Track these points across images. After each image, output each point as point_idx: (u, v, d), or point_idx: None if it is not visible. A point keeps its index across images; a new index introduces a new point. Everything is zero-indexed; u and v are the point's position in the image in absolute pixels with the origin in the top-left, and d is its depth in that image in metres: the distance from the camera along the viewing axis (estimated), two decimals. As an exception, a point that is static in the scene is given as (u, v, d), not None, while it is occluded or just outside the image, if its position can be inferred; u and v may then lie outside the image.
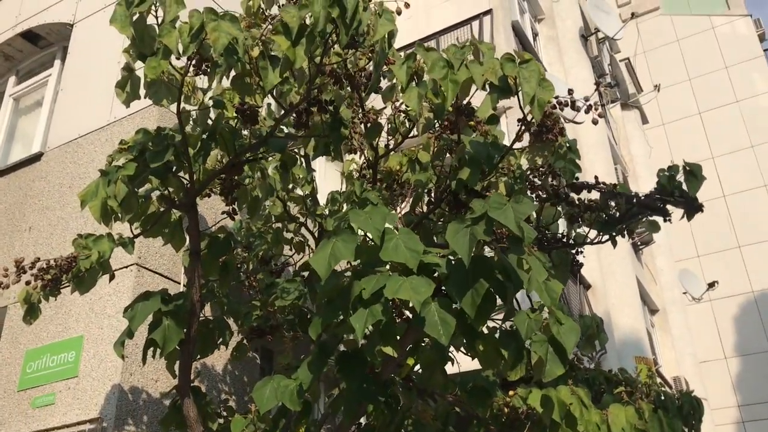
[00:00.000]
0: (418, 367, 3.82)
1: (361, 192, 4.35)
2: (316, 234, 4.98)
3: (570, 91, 2.85)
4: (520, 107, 2.87)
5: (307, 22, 2.66)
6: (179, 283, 5.14)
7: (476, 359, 3.65)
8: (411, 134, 3.86)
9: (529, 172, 3.35)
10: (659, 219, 3.91)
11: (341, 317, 3.21)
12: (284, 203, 4.65)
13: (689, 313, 15.55)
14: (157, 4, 2.75)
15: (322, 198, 4.93)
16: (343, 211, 2.97)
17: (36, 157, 6.07)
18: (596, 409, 3.36)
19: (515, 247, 2.77)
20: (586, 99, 2.84)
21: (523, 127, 2.89)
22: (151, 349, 3.63)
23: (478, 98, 3.23)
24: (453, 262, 2.88)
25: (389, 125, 4.05)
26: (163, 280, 4.99)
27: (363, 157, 4.79)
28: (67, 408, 4.60)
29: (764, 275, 18.76)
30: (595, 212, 3.86)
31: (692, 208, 3.70)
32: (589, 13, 11.39)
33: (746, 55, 21.47)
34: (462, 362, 4.19)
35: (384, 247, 2.86)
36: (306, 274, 4.65)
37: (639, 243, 13.51)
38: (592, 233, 4.04)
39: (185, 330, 3.53)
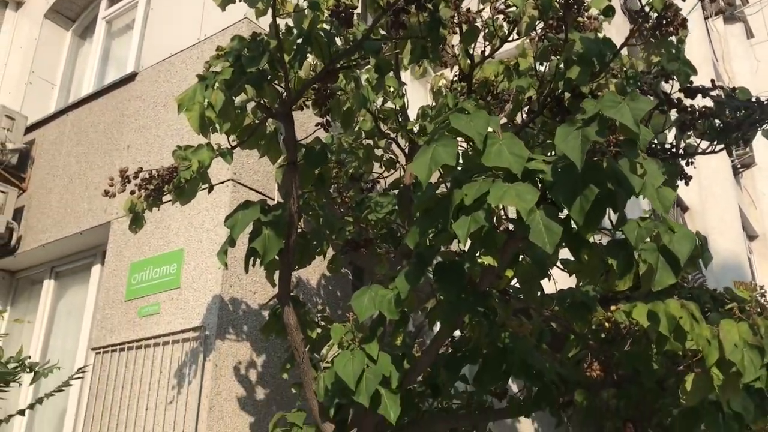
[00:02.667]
0: (515, 282, 3.75)
1: (454, 104, 4.23)
2: (407, 151, 4.90)
3: (692, -20, 2.61)
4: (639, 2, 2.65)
5: None
6: (273, 200, 5.19)
7: (573, 276, 3.56)
8: (510, 38, 3.66)
9: (642, 74, 3.12)
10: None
11: (439, 227, 3.17)
12: (375, 118, 4.57)
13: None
14: None
15: (411, 114, 4.83)
16: (440, 118, 2.85)
17: (130, 78, 6.18)
18: (707, 325, 3.21)
19: (630, 149, 2.60)
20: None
21: (640, 21, 2.67)
22: (252, 258, 3.70)
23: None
24: (559, 167, 2.74)
25: (485, 29, 3.86)
26: (258, 196, 5.05)
27: (453, 70, 4.63)
28: (171, 317, 4.79)
29: None
30: (709, 119, 3.61)
31: (819, 112, 3.40)
32: None
33: None
34: (558, 279, 4.10)
35: (486, 152, 2.75)
36: (396, 191, 4.61)
37: (739, 165, 12.82)
38: (704, 144, 3.80)
39: (284, 240, 3.56)
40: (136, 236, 5.28)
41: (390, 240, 4.53)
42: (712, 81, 3.46)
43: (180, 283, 4.84)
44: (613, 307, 3.70)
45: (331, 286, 5.53)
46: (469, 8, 3.47)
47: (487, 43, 3.89)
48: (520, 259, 3.47)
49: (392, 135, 4.79)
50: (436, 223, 3.14)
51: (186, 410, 4.38)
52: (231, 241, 3.53)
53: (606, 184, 2.64)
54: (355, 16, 2.95)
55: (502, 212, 3.09)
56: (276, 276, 3.88)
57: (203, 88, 3.03)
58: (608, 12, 2.65)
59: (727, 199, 9.62)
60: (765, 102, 3.41)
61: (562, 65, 2.99)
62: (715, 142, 3.66)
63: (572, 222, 2.82)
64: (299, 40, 3.14)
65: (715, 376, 3.20)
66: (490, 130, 2.84)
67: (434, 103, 5.03)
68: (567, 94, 3.29)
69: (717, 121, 3.59)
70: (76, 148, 6.43)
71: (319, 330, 4.08)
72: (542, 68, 3.48)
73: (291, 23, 3.40)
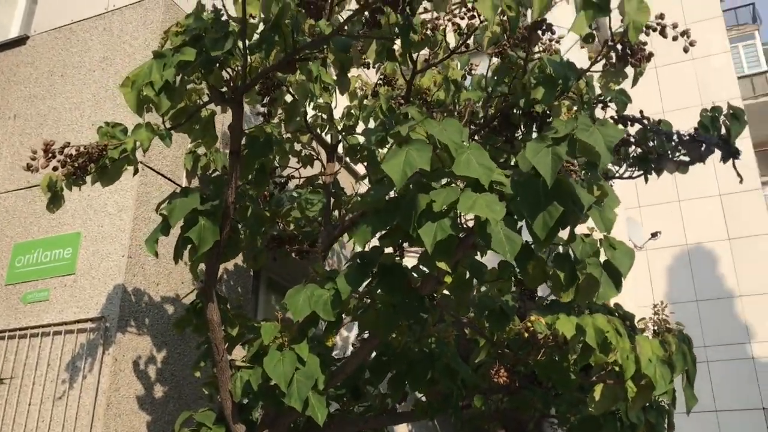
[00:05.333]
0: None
1: (388, 108, 4.24)
2: (330, 148, 4.86)
3: (661, 16, 2.79)
4: (609, 28, 2.79)
5: None
6: (180, 185, 4.93)
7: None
8: (459, 50, 3.72)
9: (597, 100, 3.29)
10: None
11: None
12: (304, 112, 4.48)
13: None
14: None
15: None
16: (406, 123, 2.85)
17: (20, 41, 5.63)
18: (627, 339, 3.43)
19: (592, 171, 2.74)
20: (675, 25, 2.78)
21: (607, 49, 2.82)
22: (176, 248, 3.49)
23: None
24: (522, 182, 2.82)
25: (431, 38, 3.89)
26: (166, 181, 4.78)
27: (379, 74, 4.64)
28: (63, 305, 4.42)
29: (698, 229, 19.57)
30: (632, 146, 3.87)
31: (729, 152, 3.74)
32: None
33: (707, 13, 21.76)
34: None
35: (456, 161, 2.79)
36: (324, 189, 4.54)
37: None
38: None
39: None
40: (22, 215, 4.83)
41: (310, 238, 4.45)
42: (641, 112, 3.71)
43: (75, 269, 4.48)
44: (532, 317, 3.85)
45: (233, 281, 5.34)
46: (424, 19, 3.49)
47: (431, 51, 3.94)
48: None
49: (317, 131, 4.72)
50: (387, 224, 3.13)
51: (78, 407, 4.05)
52: (165, 229, 3.32)
53: (567, 202, 2.76)
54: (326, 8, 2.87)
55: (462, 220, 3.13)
56: (198, 269, 3.70)
57: (160, 67, 2.82)
58: (588, 39, 2.78)
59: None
60: (685, 136, 3.71)
61: (524, 83, 3.08)
62: (636, 168, 3.93)
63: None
64: (262, 27, 3.00)
65: (630, 388, 3.42)
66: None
67: (354, 104, 5.01)
68: (516, 110, 3.41)
69: (639, 150, 3.86)
70: (-54, 112, 5.76)
71: (237, 327, 3.93)
72: (492, 83, 3.57)
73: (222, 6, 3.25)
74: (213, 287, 3.57)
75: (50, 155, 3.19)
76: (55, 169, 3.23)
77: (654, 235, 16.34)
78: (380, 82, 4.74)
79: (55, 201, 3.31)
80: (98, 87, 5.05)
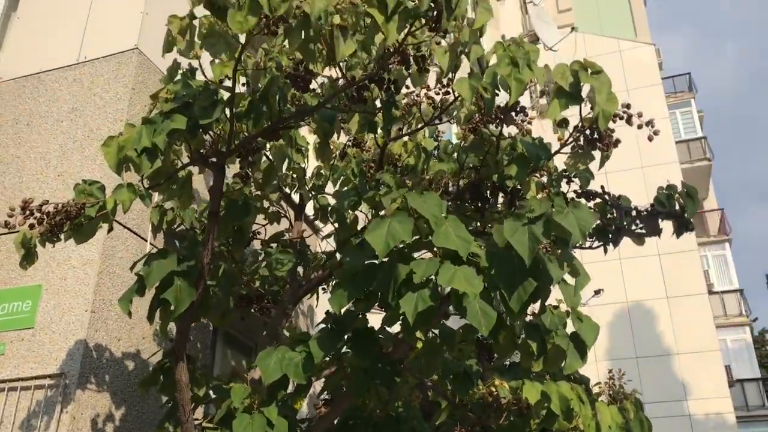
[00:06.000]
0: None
1: (359, 171, 4.36)
2: (296, 207, 4.93)
3: (627, 106, 3.00)
4: (580, 114, 2.99)
5: (400, -1, 2.64)
6: (146, 240, 4.92)
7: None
8: (434, 122, 3.89)
9: (562, 175, 3.48)
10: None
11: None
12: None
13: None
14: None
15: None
16: (391, 193, 2.97)
17: (-16, 86, 5.58)
18: (589, 406, 3.56)
19: (565, 250, 2.89)
20: (640, 115, 3.00)
21: (578, 133, 3.01)
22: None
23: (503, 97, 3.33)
24: (497, 254, 2.95)
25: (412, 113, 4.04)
26: (131, 235, 4.76)
27: (349, 136, 4.78)
28: (19, 360, 4.31)
29: (637, 287, 20.18)
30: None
31: (684, 226, 3.98)
32: (532, 22, 11.78)
33: (647, 81, 22.89)
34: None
35: (436, 233, 2.90)
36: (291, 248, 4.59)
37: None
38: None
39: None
40: (-20, 265, 4.72)
41: (276, 297, 4.48)
42: (602, 187, 3.93)
43: (35, 323, 4.38)
44: (496, 382, 3.96)
45: (192, 336, 5.29)
46: (413, 91, 3.65)
47: (404, 122, 4.09)
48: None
49: (286, 190, 4.80)
50: (363, 290, 3.20)
51: (33, 467, 3.94)
52: (140, 290, 3.32)
53: (540, 277, 2.90)
54: (319, 80, 3.00)
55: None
56: (167, 327, 3.69)
57: (150, 132, 2.88)
58: (563, 124, 2.96)
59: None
60: (643, 211, 3.93)
61: (497, 159, 3.24)
62: (594, 239, 4.12)
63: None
64: (241, 88, 3.10)
65: (591, 453, 3.54)
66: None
67: (324, 164, 5.12)
68: (487, 183, 3.57)
69: (598, 222, 4.05)
70: None
71: (204, 388, 3.91)
72: (464, 156, 3.73)
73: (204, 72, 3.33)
74: (184, 348, 3.57)
75: (28, 212, 3.18)
76: (31, 226, 3.22)
77: (597, 292, 16.77)
78: (349, 143, 4.87)
79: (28, 258, 3.29)
80: (66, 138, 5.03)
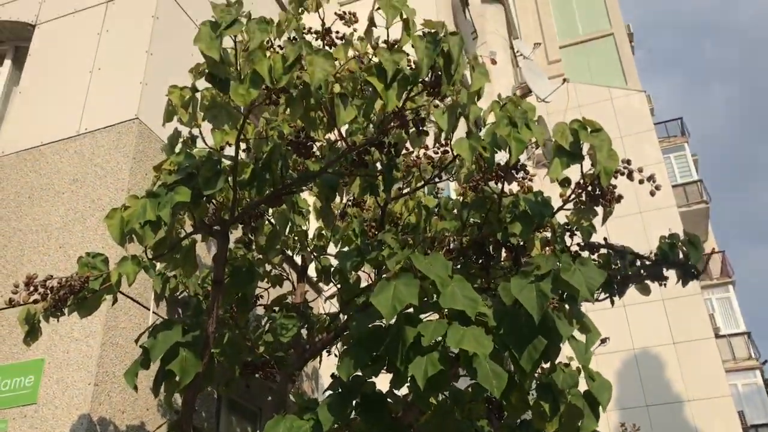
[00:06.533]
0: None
1: (360, 231, 4.36)
2: (299, 269, 4.92)
3: (628, 161, 3.02)
4: (581, 171, 3.01)
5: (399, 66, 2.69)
6: (148, 309, 4.89)
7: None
8: (435, 181, 3.91)
9: (566, 230, 3.48)
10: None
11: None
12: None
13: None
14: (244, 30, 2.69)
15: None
16: (397, 255, 2.96)
17: (-14, 161, 5.63)
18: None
19: (575, 307, 2.88)
20: (641, 170, 3.02)
21: (580, 190, 3.03)
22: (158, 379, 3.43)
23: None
24: (506, 312, 2.93)
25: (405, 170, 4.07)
26: (134, 305, 4.73)
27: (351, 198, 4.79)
28: (22, 438, 4.23)
29: (643, 334, 20.00)
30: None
31: (689, 274, 3.96)
32: (523, 74, 11.99)
33: (639, 127, 23.15)
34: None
35: (442, 294, 2.88)
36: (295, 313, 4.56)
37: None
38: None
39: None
40: (-18, 340, 4.68)
41: (281, 362, 4.43)
42: (605, 239, 3.92)
43: (37, 399, 4.32)
44: (508, 444, 3.88)
45: (197, 405, 5.20)
46: (412, 151, 3.68)
47: (404, 181, 4.11)
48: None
49: (288, 252, 4.79)
50: (371, 355, 3.17)
51: None
52: (145, 363, 3.27)
53: (551, 335, 2.87)
54: (318, 145, 3.02)
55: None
56: (172, 398, 3.63)
57: (155, 206, 2.89)
58: (565, 183, 2.98)
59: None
60: (647, 261, 3.91)
61: (500, 217, 3.24)
62: (600, 292, 4.10)
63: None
64: (252, 165, 3.12)
65: None
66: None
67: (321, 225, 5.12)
68: (490, 240, 3.56)
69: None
70: None
71: (211, 459, 3.83)
72: (465, 213, 3.73)
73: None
74: (190, 419, 3.50)
75: (32, 288, 3.16)
76: (35, 302, 3.19)
77: (603, 341, 16.61)
78: (349, 203, 4.89)
79: (32, 334, 3.26)
80: (67, 209, 5.05)
